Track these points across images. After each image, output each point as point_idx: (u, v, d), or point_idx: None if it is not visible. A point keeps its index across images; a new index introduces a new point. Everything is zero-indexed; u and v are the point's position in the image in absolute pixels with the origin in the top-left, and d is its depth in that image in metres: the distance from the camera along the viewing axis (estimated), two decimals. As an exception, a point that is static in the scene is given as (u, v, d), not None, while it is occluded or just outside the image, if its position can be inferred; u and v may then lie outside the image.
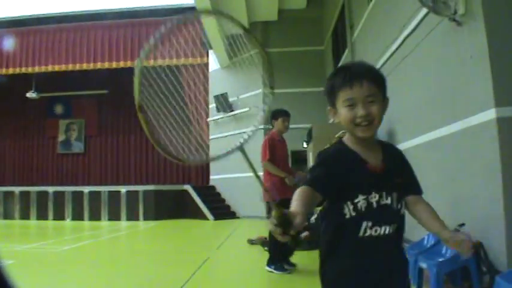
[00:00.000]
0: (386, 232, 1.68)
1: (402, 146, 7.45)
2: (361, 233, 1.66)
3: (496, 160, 4.35)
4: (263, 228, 11.71)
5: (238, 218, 16.81)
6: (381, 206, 1.68)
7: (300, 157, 15.55)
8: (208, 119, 18.89)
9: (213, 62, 18.70)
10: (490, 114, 4.45)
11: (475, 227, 4.60)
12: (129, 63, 19.23)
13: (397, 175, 1.75)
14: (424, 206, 1.80)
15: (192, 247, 9.10)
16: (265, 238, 8.10)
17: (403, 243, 1.84)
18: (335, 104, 1.74)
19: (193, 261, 6.76)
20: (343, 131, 8.14)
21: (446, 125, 5.54)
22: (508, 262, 4.09)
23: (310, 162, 12.89)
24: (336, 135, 9.73)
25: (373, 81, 1.69)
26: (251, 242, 8.36)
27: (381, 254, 1.68)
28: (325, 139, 11.06)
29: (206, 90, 19.22)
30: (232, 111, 17.43)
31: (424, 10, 5.50)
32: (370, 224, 1.65)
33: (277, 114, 6.69)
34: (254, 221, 15.15)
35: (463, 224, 4.58)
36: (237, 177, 16.98)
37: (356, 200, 1.65)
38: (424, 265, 4.17)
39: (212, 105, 18.34)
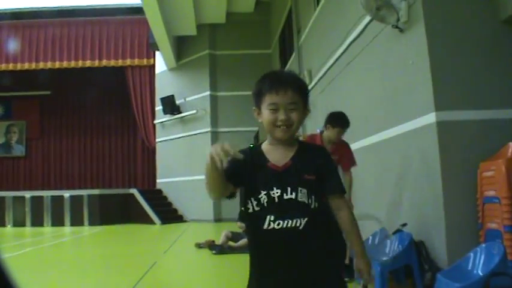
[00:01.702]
0: (292, 225, 1.77)
1: (348, 149, 7.62)
2: (265, 226, 1.78)
3: (436, 162, 4.53)
4: (211, 231, 11.71)
5: (185, 221, 16.69)
6: (285, 201, 1.78)
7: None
8: (155, 122, 18.67)
9: (160, 64, 18.48)
10: (431, 118, 4.63)
11: (417, 227, 4.78)
12: (73, 64, 18.76)
13: (308, 172, 1.83)
14: (345, 217, 1.89)
15: (138, 252, 8.96)
16: (213, 241, 8.10)
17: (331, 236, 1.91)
18: (260, 105, 1.86)
19: (140, 266, 6.65)
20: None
21: (389, 128, 5.71)
22: (448, 260, 4.26)
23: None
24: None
25: (298, 90, 1.83)
26: (199, 245, 8.33)
27: (285, 245, 1.77)
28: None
29: (152, 92, 18.99)
30: (180, 113, 17.31)
31: (369, 17, 5.66)
32: (272, 217, 1.77)
33: (337, 122, 5.11)
34: (202, 224, 15.11)
35: (405, 224, 4.74)
36: (184, 181, 16.90)
37: (259, 196, 1.80)
38: (369, 264, 4.27)
39: (159, 108, 18.12)
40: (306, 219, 1.77)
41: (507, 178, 3.89)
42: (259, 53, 17.14)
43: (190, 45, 17.49)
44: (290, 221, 1.76)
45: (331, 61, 8.31)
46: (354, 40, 7.01)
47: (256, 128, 13.45)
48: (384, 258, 4.21)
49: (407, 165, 5.27)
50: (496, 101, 4.66)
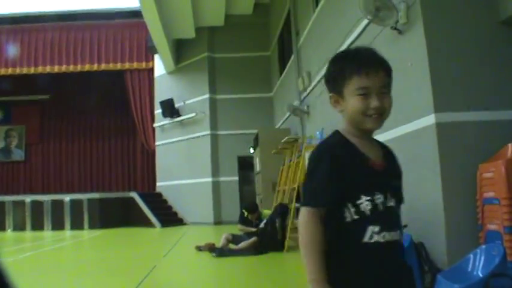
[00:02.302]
0: (394, 238, 1.50)
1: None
2: (366, 239, 1.46)
3: (436, 163, 4.54)
4: (211, 234, 11.70)
5: (185, 224, 16.69)
6: (388, 209, 1.51)
7: (246, 162, 15.64)
8: (155, 125, 18.68)
9: (159, 67, 18.51)
10: (430, 119, 4.64)
11: (417, 228, 4.77)
12: (72, 68, 18.76)
13: (398, 177, 1.64)
14: None
15: (138, 255, 8.95)
16: (213, 244, 8.09)
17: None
18: (342, 91, 1.56)
19: (140, 269, 6.65)
20: (289, 136, 8.18)
21: (389, 130, 5.71)
22: (448, 261, 4.27)
23: (257, 167, 12.96)
24: (283, 140, 9.87)
25: (387, 72, 1.61)
26: (199, 248, 8.31)
27: (389, 263, 1.49)
28: (272, 144, 11.23)
29: (151, 96, 18.99)
30: (179, 116, 17.32)
31: (367, 19, 5.66)
32: (377, 229, 1.47)
33: None
34: (201, 227, 15.09)
35: (405, 226, 4.72)
36: (184, 184, 16.92)
37: (358, 202, 1.48)
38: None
39: (158, 111, 18.14)
40: (399, 231, 1.53)
41: (507, 179, 3.88)
42: (258, 55, 17.16)
43: (189, 48, 17.49)
44: (394, 233, 1.50)
45: (330, 63, 8.30)
46: (352, 42, 7.01)
47: (255, 131, 13.44)
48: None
49: (407, 166, 5.23)
50: (495, 102, 4.67)
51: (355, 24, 6.73)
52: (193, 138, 16.91)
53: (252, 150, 14.46)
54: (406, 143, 5.24)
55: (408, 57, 5.11)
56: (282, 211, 8.19)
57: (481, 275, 3.25)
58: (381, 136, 5.93)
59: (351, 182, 1.49)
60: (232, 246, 7.98)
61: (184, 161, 17.00)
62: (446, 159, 4.51)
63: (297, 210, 10.00)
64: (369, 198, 1.48)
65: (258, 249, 7.66)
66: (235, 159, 16.42)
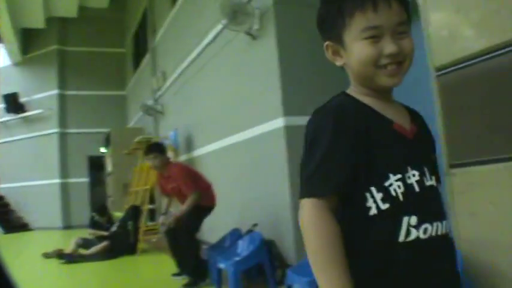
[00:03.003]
0: (439, 232, 1.08)
1: (199, 152, 7.72)
2: (401, 237, 1.04)
3: (285, 164, 4.77)
4: (60, 239, 11.07)
5: (31, 230, 15.55)
6: (427, 190, 1.09)
7: (97, 163, 15.04)
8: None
9: (3, 57, 17.00)
10: (280, 122, 4.86)
11: (268, 227, 4.97)
12: None
13: (432, 149, 1.23)
14: None
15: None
16: (62, 250, 7.67)
17: None
18: (341, 36, 1.15)
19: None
20: (142, 136, 7.97)
21: (242, 131, 5.87)
22: (297, 256, 4.51)
23: (109, 167, 12.54)
24: (135, 140, 9.65)
25: (402, 4, 1.12)
26: (46, 255, 7.81)
27: (436, 274, 1.07)
28: (124, 144, 10.93)
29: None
30: (24, 112, 16.12)
31: (222, 24, 5.74)
32: (414, 220, 1.04)
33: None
34: (49, 232, 14.20)
35: (256, 224, 4.92)
36: (29, 186, 15.80)
37: (387, 183, 1.05)
38: (222, 265, 4.36)
39: (0, 105, 16.65)
40: (445, 221, 1.11)
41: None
42: (112, 51, 16.65)
43: (38, 39, 16.38)
44: (440, 225, 1.08)
45: (186, 63, 8.33)
46: (208, 43, 7.09)
47: (107, 130, 12.97)
48: (237, 259, 4.32)
49: (258, 166, 5.47)
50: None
51: (211, 26, 6.80)
52: (39, 136, 15.89)
53: (103, 150, 13.93)
54: (259, 143, 5.42)
55: (261, 62, 5.30)
56: (135, 213, 8.03)
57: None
58: (233, 137, 6.10)
59: (371, 156, 1.06)
60: (82, 251, 7.64)
61: (29, 160, 15.86)
62: (293, 160, 4.75)
63: (151, 211, 9.88)
64: (399, 176, 1.06)
65: (109, 253, 7.43)
66: (85, 160, 15.78)
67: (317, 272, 1.00)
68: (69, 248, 7.65)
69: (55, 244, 8.71)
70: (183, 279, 4.92)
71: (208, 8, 6.87)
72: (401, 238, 1.03)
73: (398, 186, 1.05)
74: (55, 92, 15.85)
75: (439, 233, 1.06)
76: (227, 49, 6.38)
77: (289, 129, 4.80)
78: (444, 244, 1.09)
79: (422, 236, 1.03)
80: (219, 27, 6.52)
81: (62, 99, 15.91)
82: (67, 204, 15.41)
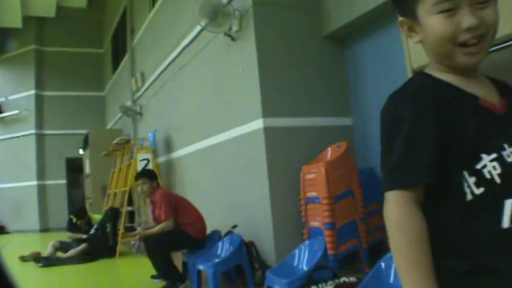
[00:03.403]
0: None
1: (178, 154, 7.69)
2: (504, 223, 0.93)
3: (264, 165, 4.78)
4: (37, 243, 10.91)
5: (7, 233, 15.26)
6: None
7: (75, 164, 14.86)
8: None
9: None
10: (259, 123, 4.87)
11: (247, 228, 4.98)
12: None
13: None
14: None
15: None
16: (39, 253, 7.57)
17: None
18: (414, 10, 1.04)
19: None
20: (121, 137, 7.93)
21: (221, 133, 5.87)
22: (276, 257, 4.53)
23: (87, 169, 12.41)
24: (114, 142, 9.57)
25: None
26: (23, 258, 7.70)
27: None
28: (103, 145, 10.83)
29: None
30: (0, 113, 15.86)
31: (201, 25, 5.73)
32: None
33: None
34: (26, 235, 13.99)
35: (235, 226, 4.92)
36: (5, 188, 15.55)
37: (479, 166, 0.96)
38: (201, 267, 4.35)
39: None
40: None
41: (326, 180, 4.24)
42: (91, 51, 16.47)
43: (14, 39, 16.11)
44: None
45: (165, 64, 8.30)
46: (187, 45, 7.07)
47: (85, 131, 12.82)
48: (216, 260, 4.31)
49: (238, 168, 5.47)
50: (318, 109, 5.09)
51: (191, 27, 6.79)
52: (16, 137, 15.61)
53: (81, 152, 13.78)
54: (238, 145, 5.43)
55: (240, 63, 5.30)
56: (113, 215, 7.96)
57: (305, 269, 3.50)
58: (213, 139, 6.09)
59: (459, 138, 0.97)
60: (60, 254, 7.54)
61: (5, 162, 15.58)
62: (272, 161, 4.78)
63: (130, 213, 9.80)
64: (494, 156, 0.96)
65: (88, 256, 7.35)
66: (63, 161, 15.56)
67: (401, 273, 0.94)
68: (46, 251, 7.55)
69: (32, 247, 8.59)
70: (162, 282, 4.89)
71: (187, 9, 6.84)
72: (504, 225, 0.93)
73: (494, 167, 0.95)
74: (32, 92, 15.61)
75: None
76: (206, 50, 6.37)
77: (268, 131, 4.82)
78: None
79: None
80: (198, 28, 6.52)
81: (40, 99, 15.69)
82: (44, 206, 15.17)
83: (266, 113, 4.84)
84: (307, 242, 3.85)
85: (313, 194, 4.41)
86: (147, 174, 5.30)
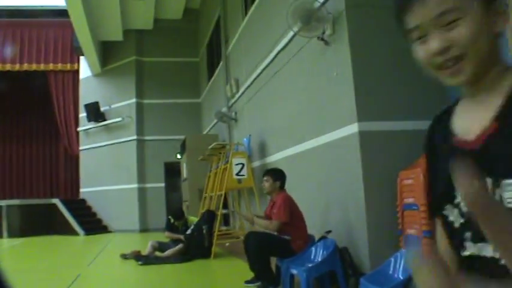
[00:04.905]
0: (490, 255, 0.87)
1: (272, 158, 7.75)
2: (463, 251, 0.94)
3: (359, 171, 4.70)
4: (137, 242, 11.46)
5: (110, 232, 16.20)
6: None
7: (173, 169, 15.44)
8: (79, 129, 18.07)
9: (85, 69, 17.91)
10: (353, 128, 4.80)
11: (341, 233, 4.91)
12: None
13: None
14: None
15: (61, 264, 8.62)
16: (139, 252, 7.94)
17: None
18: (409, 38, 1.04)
19: (64, 279, 6.40)
20: (217, 142, 8.13)
21: (315, 137, 5.85)
22: (370, 265, 4.42)
23: (184, 173, 12.83)
24: (210, 147, 9.84)
25: None
26: (124, 256, 8.11)
27: None
28: (199, 150, 11.16)
29: (76, 99, 18.34)
30: (104, 120, 16.87)
31: (293, 31, 5.76)
32: (469, 235, 0.92)
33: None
34: (127, 235, 14.75)
35: (329, 231, 4.87)
36: (109, 190, 16.47)
37: (456, 201, 0.95)
38: (294, 271, 4.35)
39: (83, 115, 17.54)
40: None
41: (425, 186, 4.08)
42: (187, 61, 17.06)
43: (116, 51, 17.08)
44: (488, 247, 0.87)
45: (258, 70, 8.42)
46: (280, 50, 7.13)
47: (183, 136, 13.30)
48: (309, 265, 4.30)
49: (331, 173, 5.42)
50: (415, 112, 4.89)
51: (283, 33, 6.84)
52: (119, 143, 16.52)
53: (179, 156, 14.30)
54: (332, 150, 5.38)
55: (334, 67, 5.26)
56: (209, 218, 8.17)
57: (401, 278, 3.39)
58: (306, 144, 6.08)
59: (442, 176, 0.98)
60: (158, 253, 7.86)
61: (109, 166, 16.55)
62: (368, 166, 4.68)
63: (224, 216, 10.02)
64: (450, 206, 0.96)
65: (184, 256, 7.60)
66: (161, 166, 16.21)
67: None
68: (146, 250, 7.91)
69: (133, 246, 9.03)
70: (255, 286, 4.94)
71: (280, 15, 6.90)
72: (463, 252, 0.93)
73: (455, 215, 0.94)
74: (133, 100, 16.46)
75: (488, 255, 0.88)
76: (300, 56, 6.39)
77: (363, 135, 4.73)
78: (495, 269, 0.86)
79: (475, 252, 0.91)
80: (291, 34, 6.55)
81: (140, 107, 16.50)
82: (144, 208, 15.91)
83: (361, 117, 4.75)
84: (403, 250, 3.73)
85: (411, 200, 4.27)
86: (272, 173, 5.38)
